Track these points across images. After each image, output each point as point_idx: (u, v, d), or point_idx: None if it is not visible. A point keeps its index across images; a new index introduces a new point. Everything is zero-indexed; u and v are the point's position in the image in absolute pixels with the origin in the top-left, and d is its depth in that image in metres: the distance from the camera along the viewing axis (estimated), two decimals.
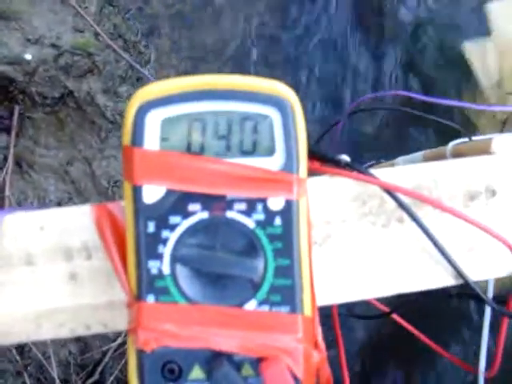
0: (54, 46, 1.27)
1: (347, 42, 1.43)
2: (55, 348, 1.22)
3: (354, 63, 1.41)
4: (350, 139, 1.35)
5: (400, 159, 0.69)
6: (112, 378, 1.23)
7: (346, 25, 1.43)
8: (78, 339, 1.24)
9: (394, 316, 0.67)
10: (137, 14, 1.36)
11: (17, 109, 1.27)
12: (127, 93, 1.31)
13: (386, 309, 0.65)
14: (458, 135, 0.55)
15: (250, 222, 0.35)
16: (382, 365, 1.34)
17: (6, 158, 1.27)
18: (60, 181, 1.27)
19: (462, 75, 1.18)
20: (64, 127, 1.29)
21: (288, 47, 1.43)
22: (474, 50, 1.08)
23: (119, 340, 1.25)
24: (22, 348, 1.22)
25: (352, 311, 0.95)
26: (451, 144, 0.53)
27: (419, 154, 0.64)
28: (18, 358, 1.22)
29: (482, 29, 1.18)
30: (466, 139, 0.53)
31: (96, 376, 1.23)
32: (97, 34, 1.30)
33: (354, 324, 1.33)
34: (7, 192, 1.25)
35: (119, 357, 1.25)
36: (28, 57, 1.24)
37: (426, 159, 0.62)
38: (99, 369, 1.23)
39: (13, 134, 1.27)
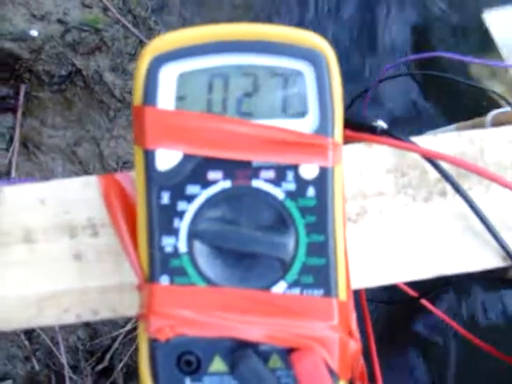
0: (60, 21, 1.23)
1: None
2: (64, 333, 1.20)
3: (371, 31, 1.36)
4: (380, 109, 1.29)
5: (429, 134, 0.64)
6: (122, 365, 1.20)
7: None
8: (87, 325, 1.21)
9: (423, 301, 0.63)
10: None
11: (23, 88, 1.24)
12: None
13: (415, 293, 0.60)
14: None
15: (278, 193, 0.30)
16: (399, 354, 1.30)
17: (12, 139, 1.24)
18: (67, 162, 1.23)
19: (483, 46, 1.13)
20: (71, 107, 1.25)
21: (311, 22, 1.37)
22: (494, 19, 1.03)
23: (129, 326, 1.22)
24: (30, 333, 1.19)
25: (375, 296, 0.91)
26: (491, 113, 0.49)
27: (452, 127, 0.59)
28: (26, 343, 1.19)
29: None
30: (508, 108, 0.49)
31: (105, 362, 1.20)
32: (105, 10, 1.25)
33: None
34: (13, 174, 1.22)
35: (129, 343, 1.22)
36: (34, 33, 1.20)
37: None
38: (108, 355, 1.21)
39: (19, 113, 1.24)
